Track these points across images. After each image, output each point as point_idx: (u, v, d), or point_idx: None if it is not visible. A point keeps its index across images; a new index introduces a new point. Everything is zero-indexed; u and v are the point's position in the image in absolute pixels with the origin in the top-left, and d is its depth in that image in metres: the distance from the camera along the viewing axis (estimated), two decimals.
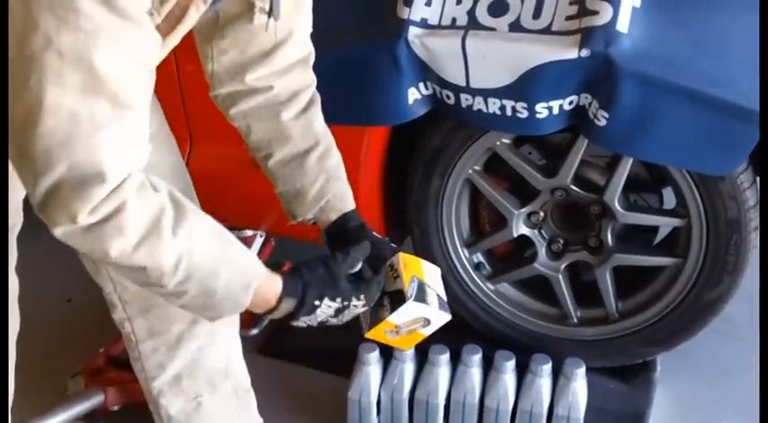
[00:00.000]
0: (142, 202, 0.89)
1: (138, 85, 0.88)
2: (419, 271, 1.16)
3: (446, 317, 1.15)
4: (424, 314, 1.13)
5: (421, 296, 1.12)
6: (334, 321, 1.08)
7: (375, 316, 1.14)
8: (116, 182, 0.86)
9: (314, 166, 1.21)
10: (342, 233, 1.22)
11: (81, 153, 0.84)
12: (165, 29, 0.94)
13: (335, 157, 1.24)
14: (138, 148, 0.90)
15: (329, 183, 1.22)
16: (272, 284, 1.03)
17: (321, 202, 1.22)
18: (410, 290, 1.11)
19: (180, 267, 0.93)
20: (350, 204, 1.24)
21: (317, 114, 1.23)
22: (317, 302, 1.04)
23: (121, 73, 0.84)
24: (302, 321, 1.06)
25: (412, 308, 1.11)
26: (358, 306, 1.08)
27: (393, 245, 1.23)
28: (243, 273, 1.00)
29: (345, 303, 1.06)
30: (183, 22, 0.96)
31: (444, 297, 1.17)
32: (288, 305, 1.03)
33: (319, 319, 1.06)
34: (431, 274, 1.18)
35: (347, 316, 1.08)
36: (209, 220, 0.99)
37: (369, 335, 1.15)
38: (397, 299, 1.11)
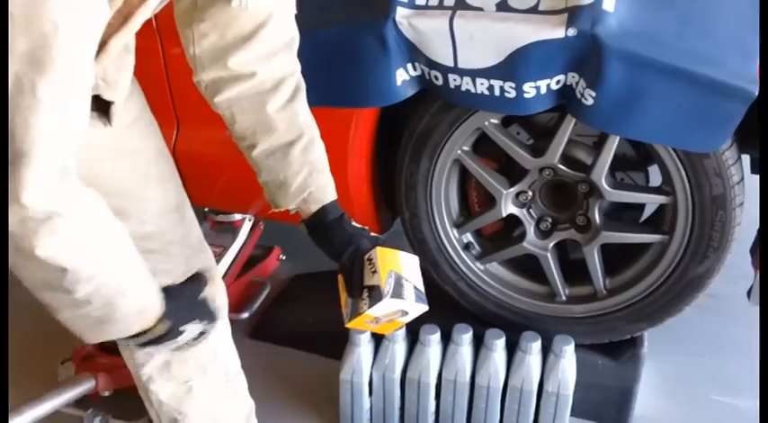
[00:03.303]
0: (79, 208, 0.87)
1: (86, 66, 0.85)
2: (397, 265, 1.17)
3: (423, 308, 1.18)
4: (400, 307, 1.16)
5: (398, 291, 1.14)
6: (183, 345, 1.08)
7: (355, 308, 1.16)
8: (47, 169, 0.82)
9: (297, 158, 1.21)
10: (320, 225, 1.23)
11: (19, 125, 0.79)
12: (137, 1, 0.93)
13: (319, 149, 1.24)
14: (74, 138, 0.86)
15: (312, 175, 1.22)
16: (157, 307, 1.02)
17: (303, 194, 1.22)
18: (387, 286, 1.13)
19: (96, 277, 0.91)
20: (331, 196, 1.24)
21: (302, 105, 1.22)
22: (182, 328, 1.04)
23: (72, 48, 0.80)
24: (160, 346, 1.05)
25: (389, 303, 1.14)
26: (207, 331, 1.08)
27: (373, 234, 1.24)
28: (143, 295, 0.99)
29: (205, 329, 1.07)
30: None
31: (422, 288, 1.20)
32: (162, 327, 1.02)
33: (177, 343, 1.06)
34: (409, 266, 1.19)
35: (197, 342, 1.09)
36: (126, 233, 0.98)
37: (349, 325, 1.18)
38: (375, 294, 1.14)
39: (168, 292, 1.03)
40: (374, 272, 1.15)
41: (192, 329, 1.06)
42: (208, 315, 1.09)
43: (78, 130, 0.87)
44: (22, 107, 0.79)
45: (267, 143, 1.21)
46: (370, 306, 1.14)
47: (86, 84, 0.87)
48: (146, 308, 1.00)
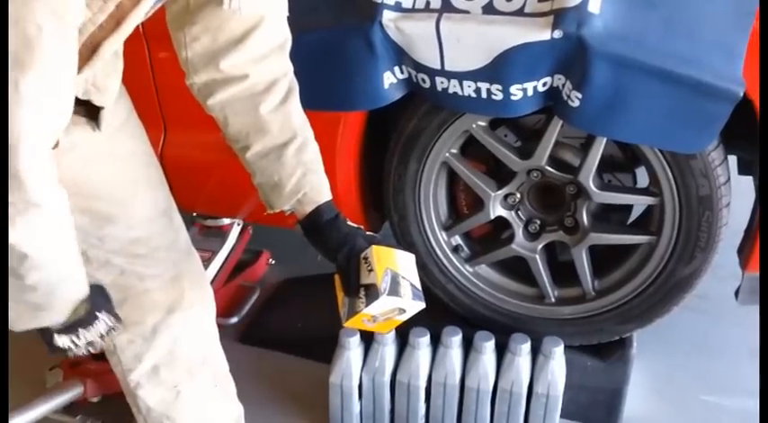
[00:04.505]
0: (54, 203, 0.92)
1: (68, 66, 0.88)
2: (393, 262, 1.17)
3: (420, 305, 1.18)
4: (398, 305, 1.16)
5: (394, 289, 1.14)
6: (84, 349, 1.08)
7: (352, 307, 1.16)
8: (31, 161, 0.86)
9: (291, 159, 1.20)
10: (315, 226, 1.23)
11: (9, 120, 0.83)
12: (129, 5, 0.93)
13: (313, 150, 1.24)
14: (53, 134, 0.91)
15: (306, 176, 1.21)
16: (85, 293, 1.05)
17: (298, 195, 1.22)
18: (383, 284, 1.13)
19: (47, 265, 0.95)
20: (326, 196, 1.24)
21: (296, 106, 1.22)
22: (99, 314, 1.06)
23: (53, 50, 0.83)
24: (74, 335, 1.05)
25: (386, 301, 1.13)
26: (117, 331, 1.09)
27: (369, 233, 1.24)
28: (80, 283, 1.03)
29: (116, 325, 1.08)
30: None
31: (418, 286, 1.19)
32: (82, 309, 1.04)
33: (89, 337, 1.06)
34: (405, 264, 1.19)
35: (103, 343, 1.09)
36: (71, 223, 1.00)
37: (347, 324, 1.18)
38: (372, 292, 1.13)
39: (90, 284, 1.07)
40: (370, 270, 1.15)
41: (104, 320, 1.06)
42: (117, 314, 1.10)
43: (58, 127, 0.90)
44: (11, 102, 0.82)
45: (260, 145, 1.20)
46: (367, 305, 1.13)
47: (68, 83, 0.89)
48: (78, 294, 1.03)
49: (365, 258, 1.17)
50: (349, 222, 1.25)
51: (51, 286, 0.98)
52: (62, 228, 0.96)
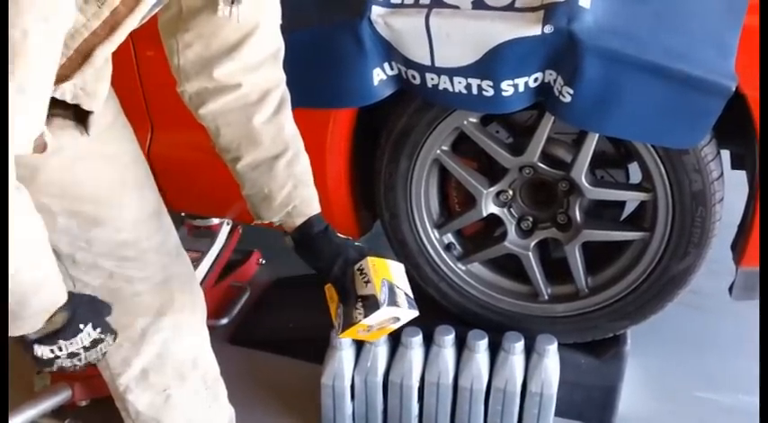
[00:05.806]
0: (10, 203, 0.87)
1: (48, 70, 0.85)
2: (387, 273, 1.20)
3: (414, 313, 1.21)
4: (395, 314, 1.18)
5: (392, 299, 1.17)
6: (69, 362, 1.03)
7: (348, 318, 1.18)
8: None
9: (282, 172, 1.20)
10: (306, 238, 1.23)
11: None
12: (124, 11, 0.92)
13: (304, 162, 1.23)
14: (28, 137, 0.87)
15: (297, 188, 1.21)
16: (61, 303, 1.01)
17: (288, 208, 1.22)
18: (382, 295, 1.16)
19: (16, 274, 0.90)
20: (315, 208, 1.24)
21: (288, 117, 1.21)
22: (81, 326, 1.01)
23: (36, 57, 0.81)
24: (55, 346, 1.00)
25: (385, 311, 1.16)
26: (105, 344, 1.05)
27: (357, 244, 1.25)
28: (55, 293, 0.98)
29: (102, 337, 1.04)
30: (142, 2, 0.94)
31: (411, 294, 1.22)
32: (60, 318, 0.99)
33: (71, 348, 1.01)
34: (397, 273, 1.22)
35: (91, 355, 1.05)
36: (42, 227, 0.95)
37: (342, 335, 1.20)
38: (371, 303, 1.16)
39: (73, 293, 1.02)
40: (367, 282, 1.17)
41: (88, 332, 1.02)
42: (107, 326, 1.05)
43: (31, 133, 0.87)
44: None
45: (252, 156, 1.20)
46: (366, 315, 1.16)
47: (46, 89, 0.87)
48: (53, 305, 0.98)
49: (360, 270, 1.19)
50: (338, 234, 1.25)
51: (24, 295, 0.92)
52: (23, 228, 0.89)
